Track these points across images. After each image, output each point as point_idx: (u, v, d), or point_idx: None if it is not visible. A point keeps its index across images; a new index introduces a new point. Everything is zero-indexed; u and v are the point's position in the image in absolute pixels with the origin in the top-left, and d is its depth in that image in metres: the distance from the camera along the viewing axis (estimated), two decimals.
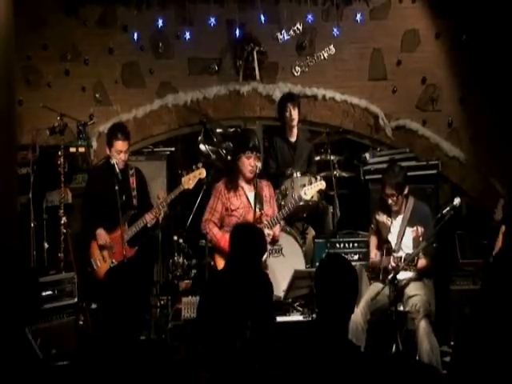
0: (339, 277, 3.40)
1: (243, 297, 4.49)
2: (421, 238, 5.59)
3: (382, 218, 5.93)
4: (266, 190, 5.92)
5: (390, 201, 5.77)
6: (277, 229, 5.98)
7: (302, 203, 6.01)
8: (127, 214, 6.08)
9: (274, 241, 5.97)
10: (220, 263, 5.78)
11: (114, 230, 6.12)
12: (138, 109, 8.07)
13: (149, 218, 6.10)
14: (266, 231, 5.64)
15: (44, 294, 6.17)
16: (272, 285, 5.08)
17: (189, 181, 6.11)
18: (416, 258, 5.43)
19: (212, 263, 6.84)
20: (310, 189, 5.79)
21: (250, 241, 4.59)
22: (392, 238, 5.82)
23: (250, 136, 5.91)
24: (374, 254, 5.90)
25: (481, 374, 3.33)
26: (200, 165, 6.20)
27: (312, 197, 6.51)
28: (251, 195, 5.79)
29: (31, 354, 3.47)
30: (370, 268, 5.97)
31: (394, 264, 5.55)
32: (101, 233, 6.17)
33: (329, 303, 3.38)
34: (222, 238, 5.70)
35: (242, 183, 5.79)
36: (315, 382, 3.25)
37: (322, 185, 5.89)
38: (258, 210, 5.77)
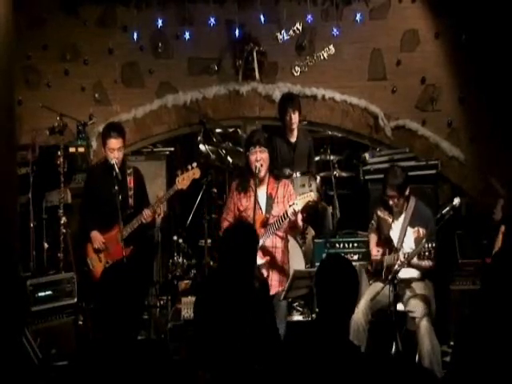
0: (340, 277, 3.40)
1: (238, 296, 4.48)
2: (424, 240, 5.58)
3: (384, 214, 5.92)
4: (281, 189, 5.81)
5: (391, 202, 5.77)
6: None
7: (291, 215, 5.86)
8: (123, 214, 6.07)
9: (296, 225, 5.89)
10: None
11: (110, 230, 6.12)
12: (138, 109, 8.07)
13: (146, 214, 6.08)
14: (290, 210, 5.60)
15: (43, 294, 6.17)
16: (267, 283, 5.06)
17: (183, 181, 6.09)
18: (432, 252, 5.39)
19: (212, 263, 6.88)
20: (300, 199, 5.71)
21: (239, 241, 4.55)
22: (394, 235, 5.81)
23: (253, 134, 5.90)
24: (377, 251, 5.87)
25: (481, 374, 3.33)
26: (195, 165, 6.16)
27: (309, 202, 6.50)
28: (261, 196, 5.74)
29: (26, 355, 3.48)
30: (370, 265, 5.95)
31: (403, 259, 5.51)
32: (96, 236, 6.16)
33: (329, 303, 3.38)
34: None
35: (253, 184, 5.76)
36: (315, 382, 3.25)
37: (310, 196, 5.81)
38: (264, 212, 5.73)
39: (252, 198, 5.70)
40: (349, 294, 3.42)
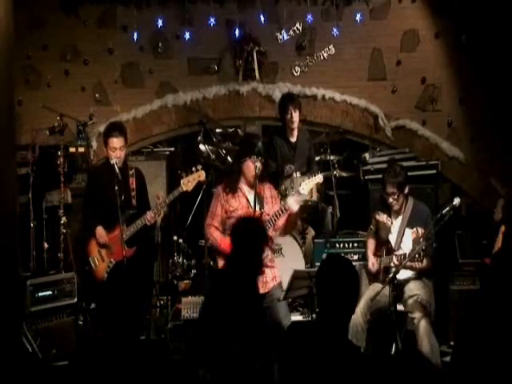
0: (340, 277, 3.40)
1: (242, 296, 4.48)
2: (421, 239, 5.58)
3: (382, 217, 5.92)
4: (268, 191, 5.83)
5: (390, 199, 5.76)
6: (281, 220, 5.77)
7: (304, 196, 5.85)
8: (126, 214, 6.07)
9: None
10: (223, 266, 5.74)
11: (113, 230, 6.11)
12: (138, 109, 8.08)
13: (150, 216, 6.08)
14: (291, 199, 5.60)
15: (43, 294, 6.18)
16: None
17: (188, 183, 6.09)
18: (421, 254, 5.40)
19: (212, 263, 6.87)
20: (307, 183, 5.71)
21: (249, 232, 4.56)
22: (392, 238, 5.82)
23: (256, 141, 5.82)
24: (372, 264, 5.86)
25: (481, 373, 3.33)
26: (199, 167, 6.16)
27: (311, 195, 6.51)
28: (251, 196, 5.75)
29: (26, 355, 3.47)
30: (366, 273, 5.95)
31: (397, 262, 5.53)
32: (100, 231, 6.15)
33: (329, 303, 3.38)
34: (222, 240, 5.67)
35: (242, 185, 5.75)
36: (315, 382, 3.25)
37: (319, 178, 5.76)
38: (258, 209, 5.73)
39: (241, 199, 5.71)
40: (349, 295, 3.42)
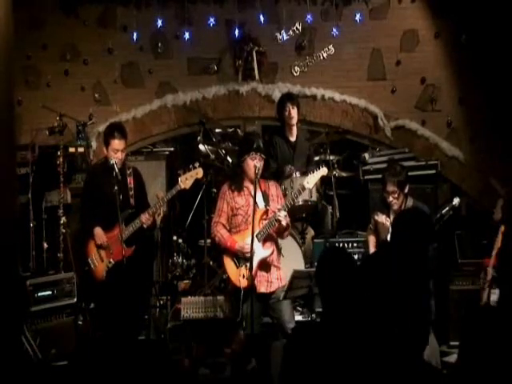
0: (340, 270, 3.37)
1: None
2: None
3: (381, 218, 5.92)
4: (273, 189, 5.87)
5: (390, 198, 5.76)
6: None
7: (304, 195, 5.82)
8: (124, 214, 6.07)
9: (287, 226, 5.83)
10: (228, 265, 5.74)
11: (111, 230, 6.11)
12: (138, 109, 8.08)
13: (145, 218, 6.09)
14: (283, 213, 5.61)
15: (43, 294, 6.18)
16: None
17: (186, 180, 6.10)
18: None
19: (211, 263, 6.87)
20: (311, 177, 5.75)
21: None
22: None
23: (254, 138, 5.87)
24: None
25: (485, 374, 3.33)
26: (197, 164, 6.18)
27: (311, 195, 6.52)
28: (257, 194, 5.76)
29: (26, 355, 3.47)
30: None
31: None
32: (98, 232, 6.15)
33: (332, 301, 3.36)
34: (229, 238, 5.69)
35: (247, 184, 5.77)
36: (318, 382, 3.24)
37: (323, 171, 5.78)
38: (263, 206, 5.74)
39: (247, 196, 5.73)
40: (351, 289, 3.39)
